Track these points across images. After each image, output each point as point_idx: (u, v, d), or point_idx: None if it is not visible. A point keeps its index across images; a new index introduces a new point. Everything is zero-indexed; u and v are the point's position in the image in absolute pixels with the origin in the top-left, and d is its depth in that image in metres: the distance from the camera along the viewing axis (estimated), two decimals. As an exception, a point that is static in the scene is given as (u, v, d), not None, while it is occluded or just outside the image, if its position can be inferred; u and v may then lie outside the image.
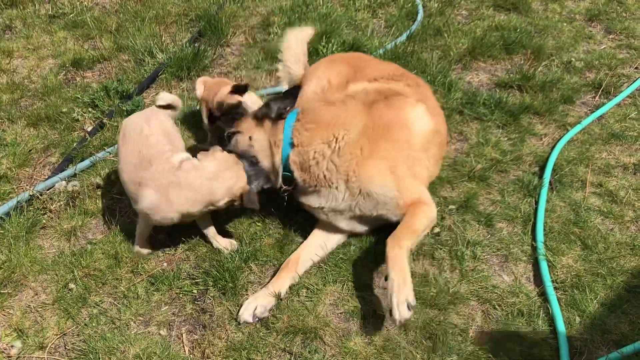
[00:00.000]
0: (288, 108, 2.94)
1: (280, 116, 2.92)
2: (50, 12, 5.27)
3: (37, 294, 2.87)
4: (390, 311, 2.42)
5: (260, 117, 2.96)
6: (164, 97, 3.17)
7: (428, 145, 2.99)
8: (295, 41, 3.83)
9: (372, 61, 3.60)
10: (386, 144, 2.81)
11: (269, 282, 2.81)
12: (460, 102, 3.98)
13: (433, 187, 3.31)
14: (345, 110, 2.89)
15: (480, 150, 3.61)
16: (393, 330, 2.62)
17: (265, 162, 2.95)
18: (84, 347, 2.60)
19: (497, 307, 2.72)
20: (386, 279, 2.54)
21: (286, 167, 2.89)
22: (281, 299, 2.73)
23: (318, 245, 2.97)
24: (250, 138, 2.96)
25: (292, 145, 2.86)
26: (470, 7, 5.30)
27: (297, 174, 2.88)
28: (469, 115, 3.90)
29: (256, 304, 2.68)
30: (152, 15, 5.09)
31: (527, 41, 4.63)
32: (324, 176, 2.83)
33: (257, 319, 2.66)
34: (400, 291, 2.43)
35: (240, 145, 2.98)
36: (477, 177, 3.40)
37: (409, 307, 2.39)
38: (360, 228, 3.00)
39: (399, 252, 2.55)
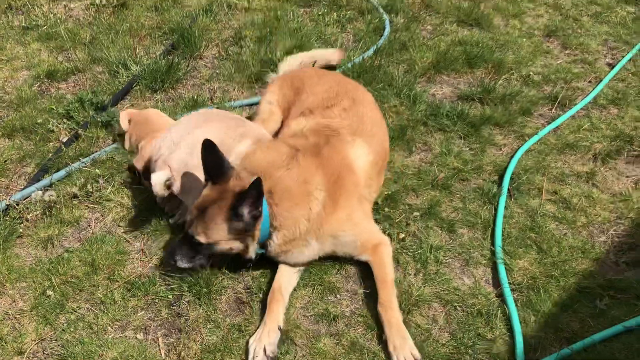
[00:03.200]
0: (260, 208, 2.76)
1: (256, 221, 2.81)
2: (23, 24, 5.32)
3: (14, 301, 2.94)
4: None
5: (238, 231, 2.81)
6: None
7: (370, 180, 3.20)
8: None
9: (310, 81, 3.68)
10: (342, 194, 2.98)
11: (261, 320, 2.79)
12: (425, 113, 4.17)
13: (398, 195, 3.48)
14: (304, 170, 2.93)
15: (444, 159, 3.80)
16: (359, 332, 2.77)
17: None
18: (62, 352, 2.68)
19: (458, 308, 2.89)
20: (382, 341, 2.71)
21: (263, 245, 2.94)
22: (281, 330, 2.74)
23: (291, 270, 3.04)
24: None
25: (271, 226, 2.87)
26: (435, 22, 5.52)
27: (274, 247, 2.93)
28: (433, 126, 4.08)
29: (263, 345, 2.64)
30: (126, 28, 5.19)
31: (489, 55, 4.86)
32: (300, 241, 2.93)
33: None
34: (404, 349, 2.62)
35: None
36: (440, 186, 3.58)
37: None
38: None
39: (392, 314, 2.74)
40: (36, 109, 4.22)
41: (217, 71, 4.72)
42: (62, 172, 3.66)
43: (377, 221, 3.25)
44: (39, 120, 4.09)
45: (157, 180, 3.09)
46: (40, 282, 3.01)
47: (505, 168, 3.71)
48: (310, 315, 2.87)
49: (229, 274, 3.05)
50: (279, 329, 2.73)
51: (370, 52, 4.80)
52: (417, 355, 2.61)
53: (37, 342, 2.76)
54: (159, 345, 2.74)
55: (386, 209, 3.41)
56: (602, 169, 3.78)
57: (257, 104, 4.28)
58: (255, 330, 2.75)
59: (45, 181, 3.59)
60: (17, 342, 2.74)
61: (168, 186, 3.14)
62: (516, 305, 2.87)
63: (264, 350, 2.62)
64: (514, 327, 2.76)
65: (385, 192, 3.50)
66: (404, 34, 5.15)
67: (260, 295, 2.95)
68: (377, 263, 2.98)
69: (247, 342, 2.68)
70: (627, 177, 3.74)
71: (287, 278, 2.99)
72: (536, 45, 5.15)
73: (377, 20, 5.40)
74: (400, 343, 2.64)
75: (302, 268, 3.07)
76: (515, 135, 4.07)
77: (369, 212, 3.20)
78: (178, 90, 4.49)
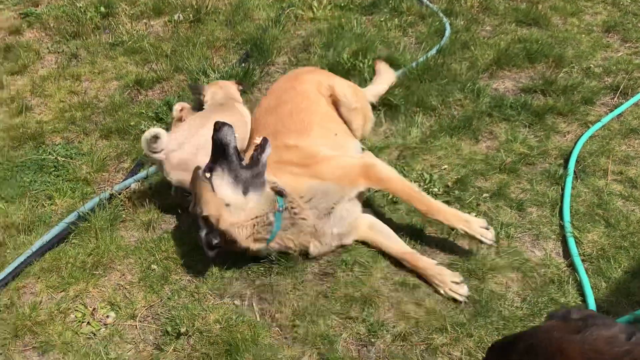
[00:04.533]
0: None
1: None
2: (110, 41, 5.81)
3: (124, 275, 3.31)
4: (480, 241, 3.08)
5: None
6: None
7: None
8: None
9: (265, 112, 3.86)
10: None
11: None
12: (489, 105, 4.35)
13: (467, 179, 3.68)
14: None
15: (510, 146, 3.97)
16: (441, 299, 2.98)
17: None
18: (169, 315, 3.01)
19: (530, 276, 3.06)
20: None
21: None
22: None
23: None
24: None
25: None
26: (494, 23, 5.70)
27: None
28: (498, 117, 4.27)
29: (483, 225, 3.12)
30: (203, 41, 5.60)
31: (548, 51, 5.00)
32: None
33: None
34: (471, 226, 3.08)
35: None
36: (508, 169, 3.76)
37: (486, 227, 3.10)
38: None
39: (439, 208, 3.14)
40: (128, 113, 4.65)
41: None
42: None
43: (448, 203, 3.45)
44: (132, 123, 4.51)
45: (145, 136, 3.34)
46: (145, 258, 3.36)
47: (571, 152, 3.85)
48: (391, 284, 3.09)
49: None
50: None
51: (434, 51, 5.03)
52: (484, 223, 3.11)
53: (146, 307, 3.10)
54: (254, 309, 3.03)
55: (456, 192, 3.61)
56: (667, 151, 3.88)
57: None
58: (340, 296, 3.01)
59: (142, 174, 3.97)
60: (129, 308, 3.09)
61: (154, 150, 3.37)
62: (587, 273, 3.02)
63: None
64: (585, 292, 2.91)
65: (455, 177, 3.71)
66: (464, 34, 5.36)
67: (343, 267, 3.20)
68: (379, 184, 3.29)
69: None
70: (694, 158, 3.82)
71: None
72: (595, 40, 5.26)
73: (437, 23, 5.62)
74: (466, 221, 3.10)
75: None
76: (578, 123, 4.20)
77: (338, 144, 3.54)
78: (254, 94, 4.84)
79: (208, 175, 2.99)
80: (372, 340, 2.82)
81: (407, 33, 5.63)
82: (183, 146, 3.47)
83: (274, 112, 3.69)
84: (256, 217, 3.03)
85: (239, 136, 3.26)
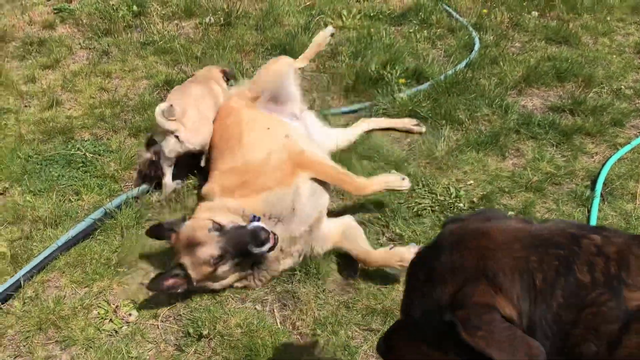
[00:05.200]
0: None
1: None
2: (141, 40, 5.89)
3: (147, 274, 3.33)
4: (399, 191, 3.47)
5: None
6: None
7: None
8: None
9: None
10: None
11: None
12: (517, 122, 4.34)
13: (493, 196, 3.67)
14: None
15: (536, 165, 3.95)
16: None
17: None
18: (191, 317, 3.04)
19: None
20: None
21: None
22: None
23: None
24: None
25: None
26: (523, 39, 5.70)
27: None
28: (525, 134, 4.25)
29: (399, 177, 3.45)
30: (232, 44, 5.65)
31: (578, 70, 4.98)
32: None
33: None
34: (390, 182, 3.39)
35: None
36: (534, 188, 3.74)
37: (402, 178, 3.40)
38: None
39: (363, 185, 3.35)
40: (157, 113, 4.69)
41: (317, 82, 5.08)
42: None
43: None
44: (160, 122, 4.55)
45: (160, 107, 3.65)
46: (169, 258, 3.38)
47: (598, 174, 3.83)
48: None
49: (336, 258, 3.33)
50: None
51: (462, 65, 5.03)
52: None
53: (168, 308, 3.12)
54: (275, 315, 3.05)
55: (481, 207, 3.60)
56: (697, 178, 3.83)
57: (354, 111, 4.65)
58: (362, 307, 3.01)
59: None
60: (152, 308, 3.12)
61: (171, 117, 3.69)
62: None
63: None
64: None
65: (481, 193, 3.71)
66: (493, 50, 5.35)
67: (366, 278, 3.20)
68: (310, 168, 3.33)
69: None
70: None
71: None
72: (627, 62, 5.23)
73: (466, 37, 5.62)
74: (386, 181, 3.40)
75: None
76: (607, 145, 4.17)
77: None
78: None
79: (215, 261, 2.97)
80: (393, 354, 2.82)
81: (436, 45, 5.64)
82: (187, 112, 3.79)
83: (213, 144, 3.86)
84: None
85: (210, 115, 3.93)
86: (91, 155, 4.23)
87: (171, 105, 3.70)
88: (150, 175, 3.90)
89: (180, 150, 3.79)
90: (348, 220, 3.43)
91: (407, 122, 4.37)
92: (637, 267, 1.32)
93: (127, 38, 5.95)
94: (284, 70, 4.14)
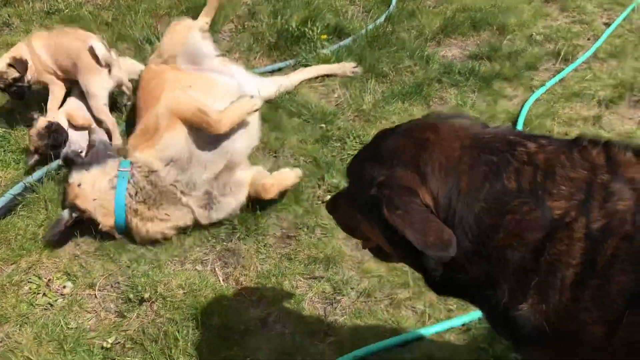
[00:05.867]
0: None
1: None
2: (45, 9, 5.53)
3: (78, 245, 3.21)
4: None
5: None
6: None
7: None
8: None
9: None
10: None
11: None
12: (438, 72, 4.44)
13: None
14: None
15: (460, 110, 4.06)
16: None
17: None
18: (129, 283, 2.95)
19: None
20: None
21: None
22: None
23: None
24: None
25: None
26: (438, -7, 5.80)
27: None
28: (447, 82, 4.36)
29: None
30: (144, 8, 5.41)
31: (492, 19, 5.13)
32: None
33: None
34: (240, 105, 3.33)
35: None
36: (459, 132, 3.85)
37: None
38: None
39: (218, 119, 3.26)
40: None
41: (237, 42, 4.97)
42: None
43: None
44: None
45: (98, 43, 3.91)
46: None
47: (518, 114, 3.99)
48: (352, 244, 3.12)
49: (273, 215, 3.32)
50: None
51: (382, 19, 5.06)
52: None
53: (104, 277, 3.02)
54: (217, 274, 3.00)
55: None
56: (606, 113, 4.06)
57: (279, 69, 4.60)
58: (303, 257, 3.03)
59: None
60: (86, 278, 3.01)
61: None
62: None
63: None
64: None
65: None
66: (410, 3, 5.41)
67: (305, 230, 3.21)
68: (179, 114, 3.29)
69: None
70: (630, 118, 4.03)
71: None
72: (536, 10, 5.42)
73: (383, -8, 5.66)
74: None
75: None
76: (524, 88, 4.34)
77: None
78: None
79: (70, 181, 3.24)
80: (338, 298, 2.86)
81: (354, 2, 5.63)
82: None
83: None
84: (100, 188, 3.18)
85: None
86: (2, 130, 3.97)
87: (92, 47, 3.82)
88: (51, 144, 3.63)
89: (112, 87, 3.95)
90: (258, 168, 3.46)
91: (347, 67, 4.41)
92: (562, 176, 1.36)
93: (29, 8, 5.57)
94: (186, 33, 4.05)
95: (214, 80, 3.72)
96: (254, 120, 3.59)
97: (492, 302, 1.42)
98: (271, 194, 3.24)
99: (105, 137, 3.53)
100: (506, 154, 1.41)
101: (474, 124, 1.58)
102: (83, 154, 3.47)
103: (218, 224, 3.25)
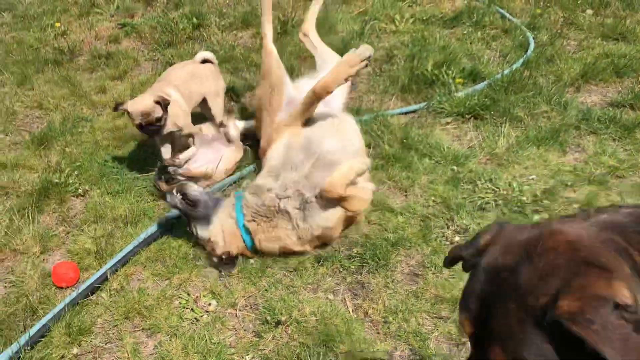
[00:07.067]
0: None
1: None
2: (203, 50, 6.13)
3: (223, 267, 3.52)
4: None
5: None
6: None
7: None
8: None
9: None
10: None
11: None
12: (576, 118, 4.37)
13: (556, 190, 3.71)
14: None
15: (598, 159, 3.98)
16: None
17: None
18: (267, 306, 3.19)
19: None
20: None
21: None
22: None
23: None
24: None
25: None
26: (579, 37, 5.69)
27: None
28: (585, 129, 4.28)
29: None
30: (290, 51, 5.84)
31: (637, 66, 4.96)
32: None
33: None
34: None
35: None
36: (597, 181, 3.77)
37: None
38: None
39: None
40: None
41: (373, 85, 5.21)
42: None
43: (537, 212, 3.53)
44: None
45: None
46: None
47: (661, 165, 3.83)
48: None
49: (402, 251, 3.44)
50: None
51: (519, 64, 5.07)
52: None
53: (245, 298, 3.29)
54: (347, 304, 3.17)
55: (545, 201, 3.65)
56: None
57: (413, 111, 4.76)
58: (430, 296, 3.11)
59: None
60: (229, 298, 3.29)
61: None
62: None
63: None
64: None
65: (543, 187, 3.76)
66: (549, 48, 5.37)
67: (433, 269, 3.30)
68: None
69: None
70: None
71: None
72: (687, 56, 5.17)
73: (521, 37, 5.66)
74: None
75: None
76: (670, 138, 4.16)
77: None
78: (340, 101, 5.02)
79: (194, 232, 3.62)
80: (464, 340, 2.91)
81: (491, 46, 5.69)
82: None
83: None
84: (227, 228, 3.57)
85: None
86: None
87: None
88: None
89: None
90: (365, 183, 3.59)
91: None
92: None
93: (188, 49, 6.22)
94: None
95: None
96: (348, 123, 3.93)
97: None
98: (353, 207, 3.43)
99: (200, 188, 3.73)
100: None
101: (565, 221, 1.40)
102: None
103: (349, 256, 3.43)
